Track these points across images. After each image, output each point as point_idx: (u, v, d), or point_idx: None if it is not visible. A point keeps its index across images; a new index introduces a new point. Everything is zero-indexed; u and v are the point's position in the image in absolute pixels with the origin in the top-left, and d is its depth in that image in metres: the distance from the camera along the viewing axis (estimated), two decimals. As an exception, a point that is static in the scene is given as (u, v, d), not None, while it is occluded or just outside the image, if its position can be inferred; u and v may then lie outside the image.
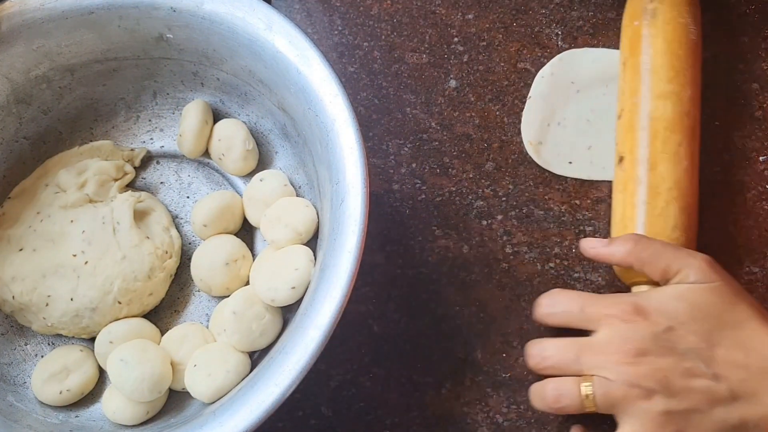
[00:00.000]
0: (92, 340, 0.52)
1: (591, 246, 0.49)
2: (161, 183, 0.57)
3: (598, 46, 0.61)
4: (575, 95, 0.59)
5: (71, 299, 0.50)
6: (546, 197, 0.57)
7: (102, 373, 0.52)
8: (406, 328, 0.54)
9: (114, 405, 0.49)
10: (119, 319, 0.51)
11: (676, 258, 0.46)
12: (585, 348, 0.46)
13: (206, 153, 0.57)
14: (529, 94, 0.59)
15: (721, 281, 0.46)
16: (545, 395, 0.47)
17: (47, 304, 0.51)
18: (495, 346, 0.53)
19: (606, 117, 0.57)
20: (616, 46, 0.60)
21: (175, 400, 0.51)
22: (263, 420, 0.42)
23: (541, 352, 0.48)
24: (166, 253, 0.53)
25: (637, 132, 0.52)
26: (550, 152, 0.57)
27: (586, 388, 0.45)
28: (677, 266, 0.46)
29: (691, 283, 0.45)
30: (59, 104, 0.56)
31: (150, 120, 0.58)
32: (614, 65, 0.58)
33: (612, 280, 0.55)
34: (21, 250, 0.52)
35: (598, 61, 0.60)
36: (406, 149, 0.59)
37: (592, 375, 0.45)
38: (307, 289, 0.48)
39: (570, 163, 0.57)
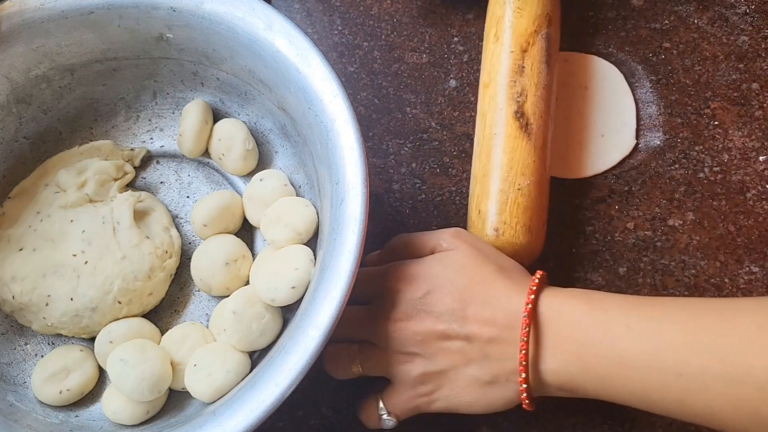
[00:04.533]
0: (92, 339, 0.52)
1: (369, 257, 0.53)
2: (161, 183, 0.57)
3: (598, 46, 0.61)
4: None
5: (71, 299, 0.50)
6: (546, 197, 0.57)
7: (102, 373, 0.52)
8: (406, 328, 0.54)
9: (114, 405, 0.49)
10: (119, 318, 0.51)
11: (427, 237, 0.50)
12: (365, 315, 0.49)
13: (206, 153, 0.57)
14: None
15: (468, 245, 0.49)
16: (326, 358, 0.50)
17: (47, 304, 0.51)
18: (495, 345, 0.53)
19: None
20: (616, 46, 0.60)
21: (175, 399, 0.51)
22: (263, 420, 0.42)
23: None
24: (166, 252, 0.53)
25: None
26: None
27: (355, 367, 0.49)
28: (431, 243, 0.50)
29: (444, 250, 0.49)
30: (59, 104, 0.56)
31: (150, 120, 0.58)
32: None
33: (612, 280, 0.55)
34: (21, 249, 0.52)
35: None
36: (406, 149, 0.59)
37: (366, 342, 0.49)
38: (307, 288, 0.48)
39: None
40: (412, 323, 0.47)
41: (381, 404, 0.49)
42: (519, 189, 0.51)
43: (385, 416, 0.49)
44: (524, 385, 0.45)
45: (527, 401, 0.46)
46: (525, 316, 0.44)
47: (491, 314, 0.46)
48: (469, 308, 0.46)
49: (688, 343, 0.41)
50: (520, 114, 0.53)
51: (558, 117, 0.58)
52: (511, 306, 0.45)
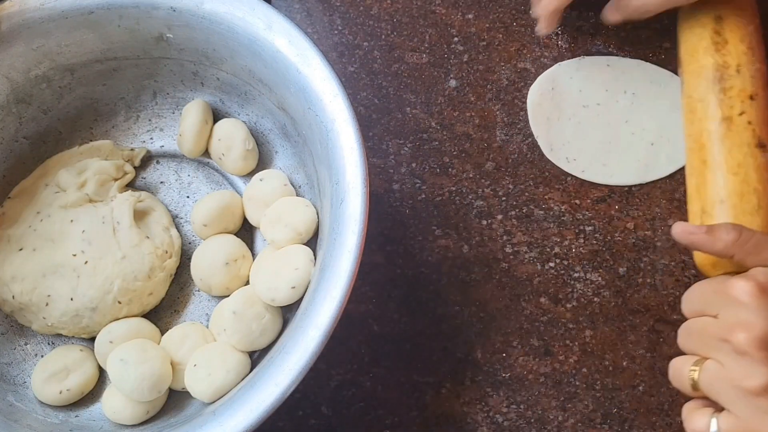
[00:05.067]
0: (92, 339, 0.52)
1: (689, 231, 0.45)
2: (161, 183, 0.57)
3: (597, 46, 0.61)
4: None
5: (71, 299, 0.50)
6: (546, 197, 0.57)
7: (102, 373, 0.52)
8: (406, 328, 0.54)
9: (114, 405, 0.49)
10: (119, 318, 0.51)
11: None
12: (713, 326, 0.43)
13: (206, 153, 0.57)
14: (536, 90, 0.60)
15: None
16: (669, 371, 0.46)
17: (47, 304, 0.51)
18: (495, 345, 0.53)
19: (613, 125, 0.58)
20: (616, 46, 0.60)
21: (175, 399, 0.51)
22: (263, 420, 0.42)
23: (685, 329, 0.45)
24: (166, 252, 0.53)
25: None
26: (560, 149, 0.58)
27: (693, 373, 0.43)
28: None
29: None
30: (59, 104, 0.56)
31: (150, 120, 0.58)
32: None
33: (612, 280, 0.55)
34: (21, 249, 0.52)
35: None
36: (406, 149, 0.59)
37: (707, 358, 0.43)
38: (307, 288, 0.48)
39: (575, 159, 0.57)
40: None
41: (714, 427, 0.42)
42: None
43: None
44: None
45: None
46: None
47: None
48: None
49: None
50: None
51: (601, 123, 0.58)
52: None
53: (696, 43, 0.54)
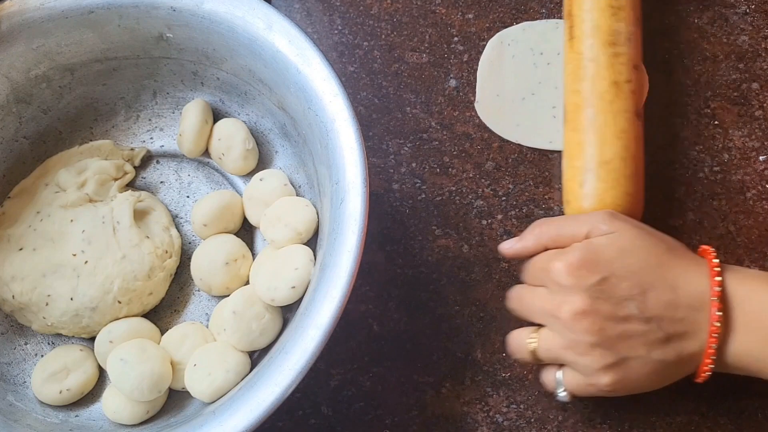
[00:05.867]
0: (92, 339, 0.52)
1: (507, 247, 0.50)
2: (161, 182, 0.57)
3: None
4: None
5: (71, 299, 0.50)
6: (546, 197, 0.57)
7: (102, 373, 0.52)
8: (406, 328, 0.54)
9: (114, 404, 0.49)
10: (119, 318, 0.51)
11: (580, 222, 0.48)
12: (540, 298, 0.47)
13: (206, 152, 0.57)
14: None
15: (633, 226, 0.47)
16: (508, 345, 0.50)
17: (47, 304, 0.51)
18: (495, 345, 0.53)
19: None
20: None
21: (175, 399, 0.51)
22: (263, 419, 0.42)
23: (516, 295, 0.49)
24: (166, 252, 0.53)
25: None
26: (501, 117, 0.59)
27: (531, 343, 0.47)
28: (585, 228, 0.47)
29: (607, 233, 0.47)
30: (59, 103, 0.56)
31: (150, 119, 0.58)
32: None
33: (612, 280, 0.55)
34: (21, 249, 0.52)
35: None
36: (406, 149, 0.59)
37: (540, 325, 0.47)
38: (307, 288, 0.48)
39: (517, 125, 0.58)
40: (589, 311, 0.45)
41: (560, 376, 0.47)
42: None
43: (561, 392, 0.47)
44: (710, 366, 0.45)
45: (705, 377, 0.46)
46: (715, 300, 0.44)
47: (673, 297, 0.45)
48: (649, 292, 0.45)
49: None
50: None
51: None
52: (693, 287, 0.45)
53: (593, 2, 0.55)
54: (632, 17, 0.54)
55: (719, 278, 0.45)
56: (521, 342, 0.48)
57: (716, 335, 0.44)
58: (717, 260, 0.46)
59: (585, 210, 0.51)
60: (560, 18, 0.61)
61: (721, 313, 0.44)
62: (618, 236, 0.46)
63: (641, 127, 0.53)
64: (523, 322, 0.49)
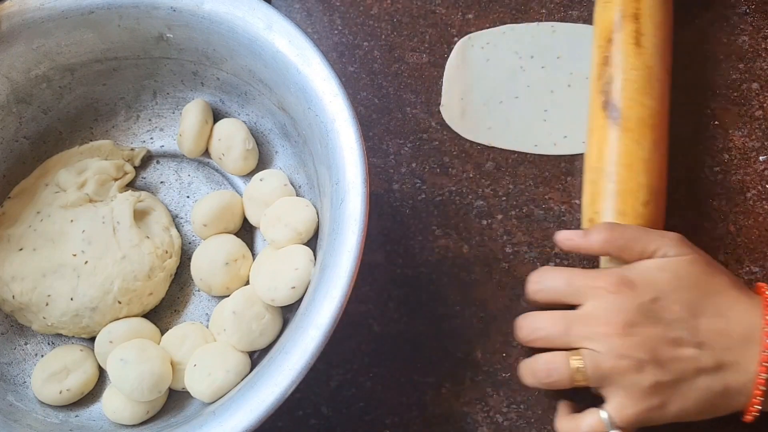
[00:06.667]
0: (92, 339, 0.52)
1: (567, 238, 0.49)
2: (161, 182, 0.57)
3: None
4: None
5: (71, 299, 0.50)
6: (546, 197, 0.57)
7: (102, 373, 0.52)
8: (406, 328, 0.54)
9: (114, 404, 0.49)
10: (119, 318, 0.51)
11: (650, 239, 0.47)
12: (574, 320, 0.46)
13: (206, 152, 0.57)
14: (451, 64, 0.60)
15: (697, 253, 0.47)
16: (536, 370, 0.47)
17: (47, 304, 0.51)
18: (495, 345, 0.53)
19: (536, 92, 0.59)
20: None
21: (175, 399, 0.51)
22: (263, 419, 0.42)
23: (531, 323, 0.48)
24: (166, 252, 0.53)
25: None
26: (471, 121, 0.59)
27: (576, 362, 0.46)
28: (653, 246, 0.47)
29: (671, 257, 0.46)
30: (59, 104, 0.56)
31: (150, 119, 0.58)
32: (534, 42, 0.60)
33: (612, 280, 0.55)
34: (21, 249, 0.52)
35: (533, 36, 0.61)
36: (406, 149, 0.59)
37: (581, 348, 0.46)
38: (307, 288, 0.48)
39: (489, 128, 0.58)
40: (641, 328, 0.44)
41: (606, 418, 0.45)
42: (607, 176, 0.50)
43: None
44: (759, 402, 0.44)
45: (754, 415, 0.45)
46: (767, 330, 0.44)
47: (725, 326, 0.45)
48: (701, 318, 0.45)
49: None
50: (606, 104, 0.52)
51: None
52: (746, 320, 0.45)
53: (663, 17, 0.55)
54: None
55: None
56: (561, 363, 0.46)
57: (766, 364, 0.44)
58: None
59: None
60: (559, 20, 0.61)
61: None
62: (680, 261, 0.46)
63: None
64: (532, 351, 0.48)
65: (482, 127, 0.58)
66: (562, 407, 0.49)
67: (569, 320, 0.46)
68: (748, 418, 0.45)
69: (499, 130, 0.58)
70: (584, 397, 0.48)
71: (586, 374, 0.45)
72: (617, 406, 0.45)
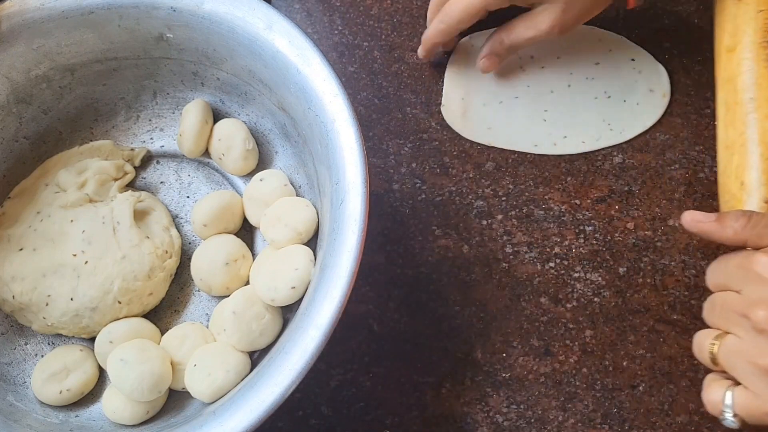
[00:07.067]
0: (92, 339, 0.52)
1: (697, 220, 0.46)
2: (161, 183, 0.57)
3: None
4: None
5: (71, 299, 0.50)
6: (546, 197, 0.57)
7: (102, 373, 0.52)
8: (406, 328, 0.54)
9: (114, 405, 0.49)
10: (119, 318, 0.51)
11: None
12: (733, 299, 0.43)
13: (206, 153, 0.57)
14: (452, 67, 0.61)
15: None
16: (694, 345, 0.45)
17: (47, 304, 0.51)
18: (495, 345, 0.53)
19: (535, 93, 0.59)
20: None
21: (175, 399, 0.51)
22: (263, 419, 0.42)
23: (711, 300, 0.45)
24: (166, 252, 0.53)
25: None
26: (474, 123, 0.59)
27: (713, 346, 0.43)
28: None
29: None
30: (59, 104, 0.56)
31: (150, 120, 0.58)
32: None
33: (612, 280, 0.55)
34: (21, 249, 0.52)
35: None
36: (406, 149, 0.59)
37: (728, 332, 0.43)
38: (307, 288, 0.48)
39: (489, 129, 0.58)
40: None
41: (729, 401, 0.42)
42: None
43: (729, 415, 0.42)
44: None
45: None
46: None
47: None
48: None
49: None
50: None
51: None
52: None
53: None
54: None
55: None
56: (703, 342, 0.44)
57: None
58: None
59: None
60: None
61: None
62: None
63: None
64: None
65: (482, 127, 0.58)
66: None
67: (730, 299, 0.43)
68: None
69: (499, 131, 0.58)
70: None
71: (718, 360, 0.43)
72: (744, 397, 0.42)
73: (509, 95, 0.59)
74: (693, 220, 0.46)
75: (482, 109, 0.59)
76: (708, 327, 0.45)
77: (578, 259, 0.55)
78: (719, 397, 0.43)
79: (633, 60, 0.59)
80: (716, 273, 0.45)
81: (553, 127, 0.58)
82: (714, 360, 0.43)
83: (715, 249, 0.55)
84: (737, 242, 0.45)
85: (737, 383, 0.42)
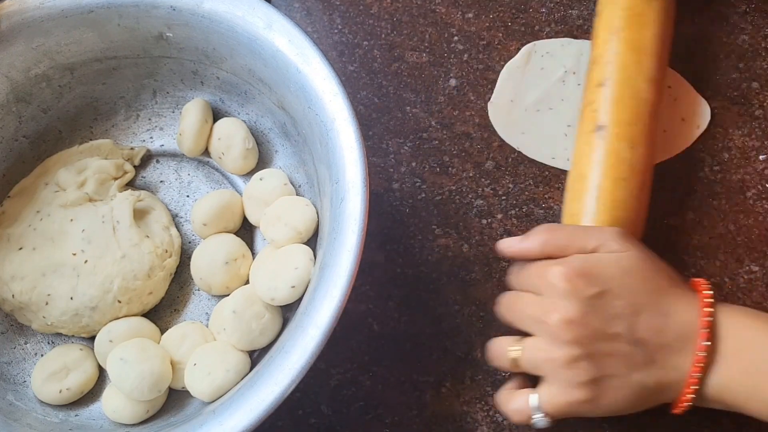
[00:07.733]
0: (92, 338, 0.52)
1: (507, 246, 0.49)
2: (161, 182, 0.57)
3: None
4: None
5: (71, 298, 0.50)
6: (546, 196, 0.57)
7: (102, 372, 0.52)
8: (406, 327, 0.54)
9: (114, 404, 0.49)
10: (119, 317, 0.51)
11: (590, 235, 0.47)
12: (531, 304, 0.47)
13: (206, 152, 0.57)
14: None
15: (640, 249, 0.47)
16: (488, 354, 0.49)
17: (47, 303, 0.51)
18: (495, 345, 0.53)
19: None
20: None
21: (175, 398, 0.51)
22: (263, 419, 0.42)
23: (507, 301, 0.49)
24: (166, 251, 0.53)
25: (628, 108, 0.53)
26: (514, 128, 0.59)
27: (513, 352, 0.47)
28: (594, 242, 0.47)
29: (615, 252, 0.46)
30: (59, 103, 0.56)
31: (150, 119, 0.58)
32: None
33: (612, 279, 0.54)
34: (21, 248, 0.52)
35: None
36: (406, 148, 0.59)
37: (532, 334, 0.46)
38: (306, 288, 0.48)
39: (522, 133, 0.58)
40: (579, 322, 0.44)
41: (535, 402, 0.46)
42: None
43: (539, 416, 0.46)
44: (690, 396, 0.45)
45: (683, 408, 0.46)
46: (704, 330, 0.44)
47: (663, 323, 0.45)
48: (641, 315, 0.45)
49: None
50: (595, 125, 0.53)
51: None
52: (684, 316, 0.45)
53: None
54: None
55: (709, 309, 0.45)
56: (503, 349, 0.47)
57: (700, 365, 0.44)
58: (709, 292, 0.46)
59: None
60: (559, 19, 0.61)
61: (708, 343, 0.44)
62: (624, 256, 0.46)
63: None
64: (510, 331, 0.48)
65: (517, 131, 0.58)
66: (513, 382, 0.49)
67: (528, 303, 0.47)
68: (677, 411, 0.46)
69: (530, 137, 0.58)
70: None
71: (520, 364, 0.46)
72: (548, 393, 0.45)
73: (547, 105, 0.59)
74: (504, 247, 0.49)
75: (523, 114, 0.59)
76: (503, 323, 0.48)
77: (578, 258, 0.55)
78: (524, 404, 0.46)
79: (669, 87, 0.59)
80: (519, 277, 0.48)
81: (571, 142, 0.58)
82: (515, 364, 0.47)
83: (714, 249, 0.55)
84: (544, 256, 0.48)
85: (534, 387, 0.46)
